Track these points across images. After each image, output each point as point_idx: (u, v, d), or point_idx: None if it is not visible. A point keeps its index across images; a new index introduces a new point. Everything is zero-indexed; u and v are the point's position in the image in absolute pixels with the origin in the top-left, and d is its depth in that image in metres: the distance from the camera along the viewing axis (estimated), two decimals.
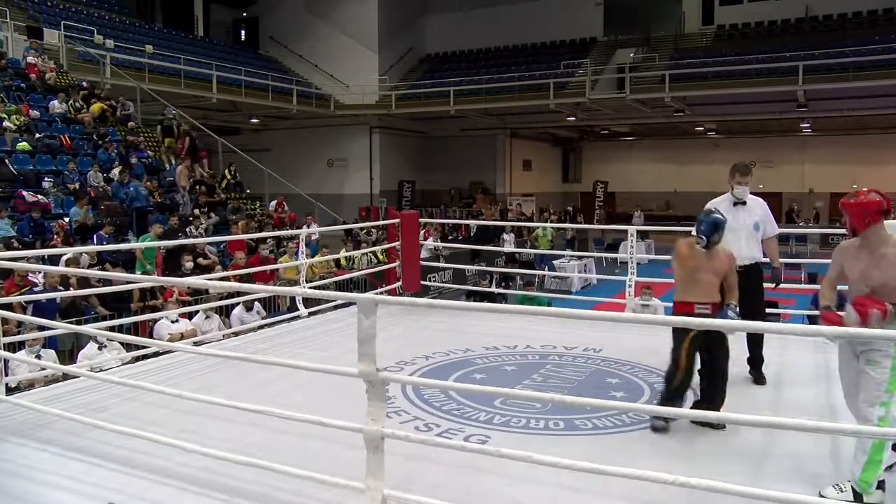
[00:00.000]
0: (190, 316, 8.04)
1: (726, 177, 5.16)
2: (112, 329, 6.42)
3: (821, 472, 3.48)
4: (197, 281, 6.95)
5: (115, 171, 13.25)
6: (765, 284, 5.14)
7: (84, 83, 16.53)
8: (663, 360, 5.44)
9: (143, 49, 19.93)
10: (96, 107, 15.30)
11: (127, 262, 9.98)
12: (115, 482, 3.39)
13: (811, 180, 28.61)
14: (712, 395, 4.13)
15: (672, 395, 4.10)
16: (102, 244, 9.75)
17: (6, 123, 12.96)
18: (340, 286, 9.32)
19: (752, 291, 4.87)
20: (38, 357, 6.23)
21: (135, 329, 7.50)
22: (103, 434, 3.79)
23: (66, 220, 11.16)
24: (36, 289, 7.80)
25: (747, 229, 4.96)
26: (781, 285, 5.66)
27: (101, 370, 5.58)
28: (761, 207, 5.07)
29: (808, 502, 2.42)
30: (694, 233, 4.29)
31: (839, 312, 3.30)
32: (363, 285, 10.51)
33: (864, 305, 3.10)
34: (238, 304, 7.98)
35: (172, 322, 7.67)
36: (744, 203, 5.00)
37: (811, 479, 3.39)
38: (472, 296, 11.35)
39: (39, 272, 7.87)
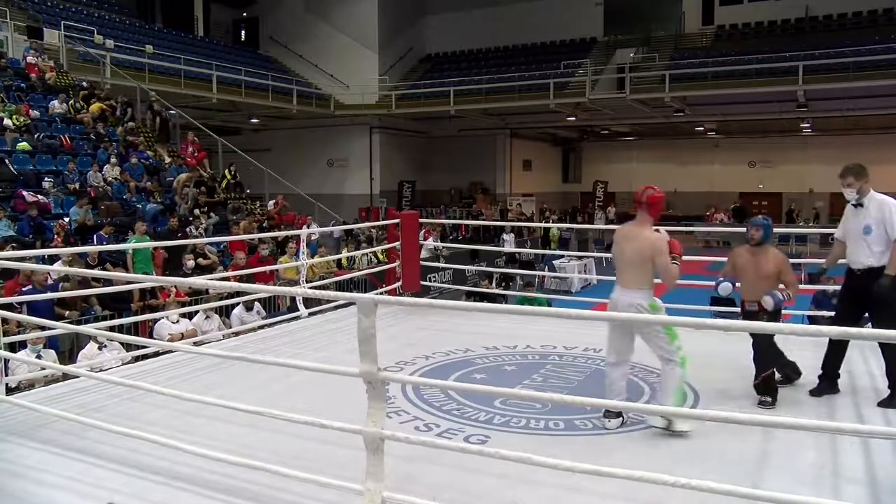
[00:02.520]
0: (190, 316, 8.03)
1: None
2: (112, 329, 6.42)
3: (821, 471, 3.49)
4: (197, 281, 6.94)
5: (108, 168, 13.26)
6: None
7: (84, 83, 16.53)
8: None
9: (143, 49, 19.93)
10: (96, 107, 15.29)
11: (125, 262, 9.98)
12: (114, 482, 3.39)
13: (811, 180, 28.59)
14: None
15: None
16: (102, 244, 9.75)
17: (6, 123, 12.96)
18: (340, 286, 9.32)
19: (861, 299, 4.64)
20: (39, 357, 6.23)
21: (135, 329, 7.50)
22: (103, 434, 3.79)
23: (66, 220, 11.16)
24: (26, 288, 7.77)
25: (857, 233, 4.68)
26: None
27: (101, 370, 5.58)
28: (877, 209, 4.60)
29: (807, 502, 2.42)
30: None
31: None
32: (363, 285, 10.51)
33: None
34: (238, 304, 7.98)
35: (173, 322, 7.67)
36: (861, 205, 4.70)
37: (811, 479, 3.40)
38: (472, 296, 11.34)
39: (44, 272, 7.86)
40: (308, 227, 12.91)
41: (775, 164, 29.10)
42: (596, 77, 23.75)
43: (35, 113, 13.94)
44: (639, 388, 4.89)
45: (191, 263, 10.31)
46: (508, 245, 18.56)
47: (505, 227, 19.73)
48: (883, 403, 4.48)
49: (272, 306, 9.21)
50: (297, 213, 16.60)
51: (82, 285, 7.62)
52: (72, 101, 15.01)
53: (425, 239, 13.37)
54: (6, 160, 12.19)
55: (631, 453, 3.71)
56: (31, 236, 10.37)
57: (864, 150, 26.88)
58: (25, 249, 8.57)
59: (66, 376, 5.04)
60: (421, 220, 8.74)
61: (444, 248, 13.73)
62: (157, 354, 5.74)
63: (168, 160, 15.33)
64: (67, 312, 7.90)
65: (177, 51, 21.69)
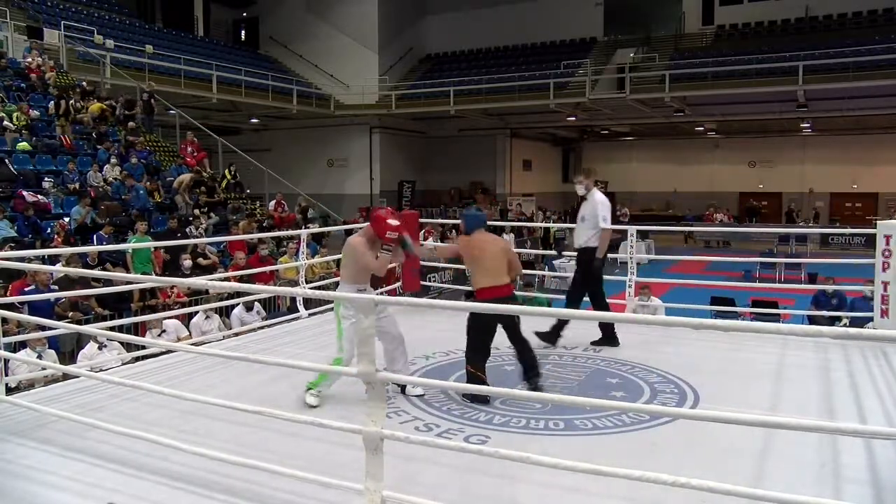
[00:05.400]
0: (190, 316, 8.03)
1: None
2: (112, 329, 6.41)
3: (821, 471, 3.48)
4: (197, 281, 6.94)
5: (108, 168, 13.27)
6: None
7: (84, 83, 16.53)
8: (663, 359, 5.47)
9: (143, 49, 19.93)
10: (96, 107, 15.29)
11: (125, 262, 9.98)
12: (114, 482, 3.39)
13: (811, 180, 28.61)
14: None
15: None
16: (102, 244, 9.75)
17: (6, 123, 12.95)
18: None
19: (579, 272, 6.15)
20: (40, 357, 6.23)
21: (135, 329, 7.50)
22: (103, 434, 3.79)
23: (66, 219, 11.16)
24: (28, 288, 7.77)
25: (579, 220, 6.10)
26: (781, 285, 5.82)
27: (101, 370, 5.58)
28: (591, 204, 6.01)
29: (808, 502, 2.42)
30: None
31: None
32: None
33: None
34: (238, 304, 7.98)
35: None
36: (585, 199, 6.11)
37: (811, 479, 3.40)
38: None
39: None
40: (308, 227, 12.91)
41: (775, 164, 29.11)
42: (596, 77, 23.75)
43: (35, 113, 13.93)
44: (639, 388, 4.88)
45: (188, 263, 10.29)
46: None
47: (504, 227, 19.71)
48: (595, 343, 5.93)
49: (272, 306, 9.21)
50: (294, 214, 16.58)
51: (82, 285, 7.62)
52: (72, 102, 15.00)
53: (425, 239, 13.36)
54: (6, 160, 12.19)
55: (631, 453, 3.71)
56: (30, 236, 10.37)
57: (864, 150, 26.97)
58: (24, 250, 8.57)
59: (66, 376, 5.04)
60: (421, 220, 8.74)
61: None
62: (156, 355, 5.74)
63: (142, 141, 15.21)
64: (71, 313, 7.90)
65: (177, 51, 21.69)
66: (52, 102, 14.62)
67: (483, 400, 4.49)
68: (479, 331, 4.68)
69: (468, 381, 4.58)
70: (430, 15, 30.15)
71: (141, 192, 12.80)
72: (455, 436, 3.97)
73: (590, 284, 6.06)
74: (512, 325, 4.76)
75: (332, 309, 7.46)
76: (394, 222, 4.56)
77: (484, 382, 4.54)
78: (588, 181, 6.10)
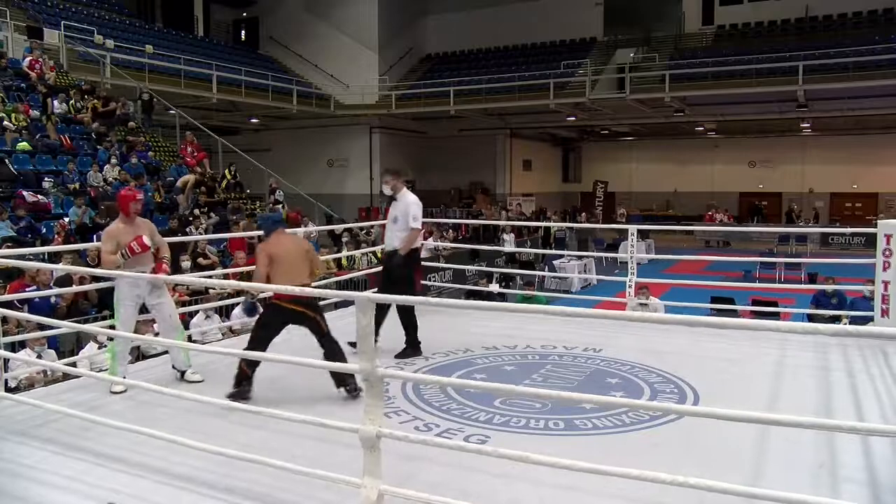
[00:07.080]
0: (190, 316, 8.02)
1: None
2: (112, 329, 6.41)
3: (819, 470, 3.49)
4: (197, 281, 6.93)
5: (108, 168, 13.27)
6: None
7: (83, 83, 16.53)
8: (663, 359, 5.47)
9: (143, 49, 19.93)
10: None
11: None
12: (114, 482, 3.39)
13: (811, 180, 28.62)
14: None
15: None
16: None
17: (6, 123, 12.95)
18: (340, 286, 9.33)
19: (389, 273, 5.99)
20: (40, 357, 6.23)
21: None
22: (103, 434, 3.80)
23: (67, 219, 11.16)
24: (30, 288, 7.77)
25: (389, 222, 6.04)
26: (781, 285, 5.76)
27: (101, 370, 5.58)
28: (404, 204, 5.89)
29: (808, 502, 2.42)
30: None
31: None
32: (363, 285, 10.52)
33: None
34: (238, 303, 7.96)
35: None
36: (395, 199, 5.99)
37: (809, 479, 3.40)
38: (471, 296, 11.36)
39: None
40: (306, 227, 12.92)
41: (775, 164, 29.12)
42: (596, 77, 23.76)
43: (35, 113, 13.93)
44: (639, 388, 4.89)
45: (186, 264, 10.27)
46: (508, 245, 18.57)
47: (505, 227, 19.75)
48: (398, 356, 5.51)
49: None
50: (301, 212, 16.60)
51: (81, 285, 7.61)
52: (72, 102, 15.00)
53: (425, 239, 13.37)
54: (6, 160, 12.19)
55: (630, 452, 3.71)
56: (29, 236, 10.37)
57: (864, 150, 26.98)
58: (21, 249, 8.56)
59: (66, 376, 5.05)
60: None
61: (443, 248, 13.73)
62: (157, 354, 5.74)
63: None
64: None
65: (177, 51, 21.69)
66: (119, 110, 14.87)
67: (243, 397, 4.36)
68: (267, 328, 4.63)
69: (237, 377, 4.49)
70: (430, 15, 30.16)
71: (149, 193, 12.81)
72: (455, 435, 3.97)
73: (401, 285, 5.74)
74: (316, 324, 4.63)
75: (333, 308, 7.50)
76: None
77: (249, 381, 4.47)
78: (395, 181, 6.01)
